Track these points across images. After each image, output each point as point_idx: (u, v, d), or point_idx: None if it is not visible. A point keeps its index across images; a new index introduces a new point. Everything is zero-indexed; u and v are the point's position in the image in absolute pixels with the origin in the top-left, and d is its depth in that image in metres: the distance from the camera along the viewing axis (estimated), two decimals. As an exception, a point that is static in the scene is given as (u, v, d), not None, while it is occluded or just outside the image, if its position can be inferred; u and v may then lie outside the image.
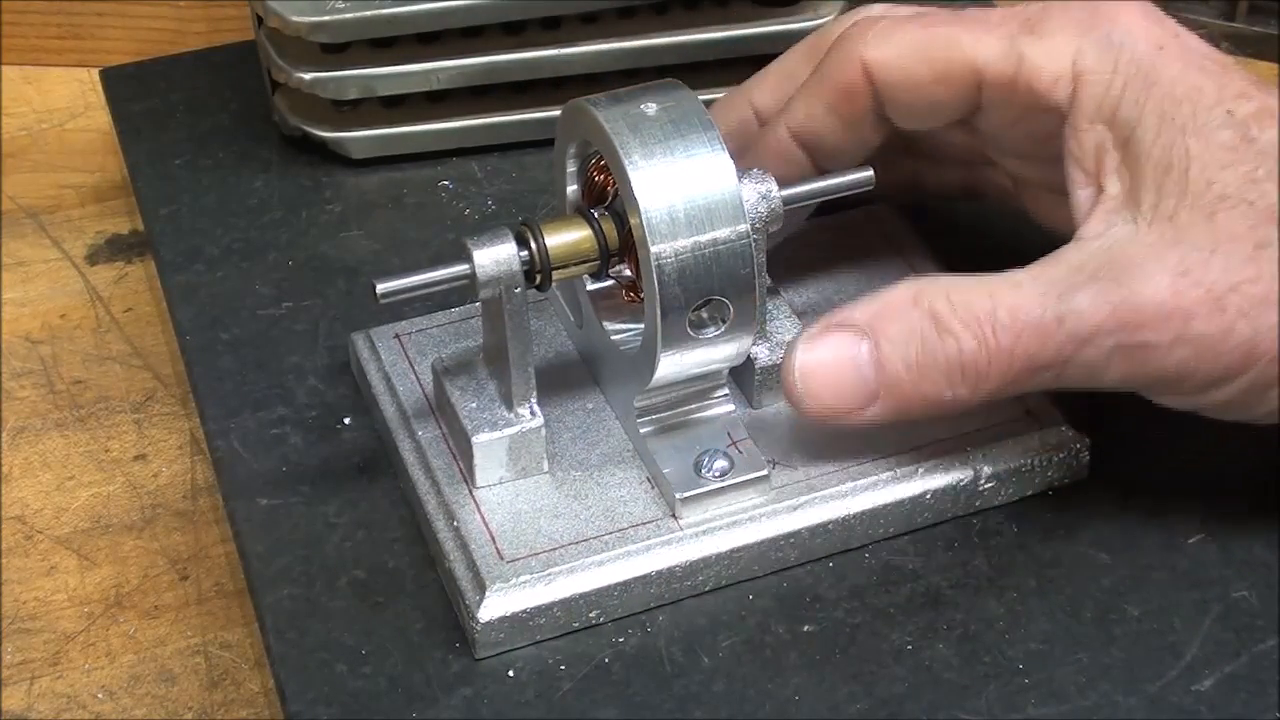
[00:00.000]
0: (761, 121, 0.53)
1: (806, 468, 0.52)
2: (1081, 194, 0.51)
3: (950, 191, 0.58)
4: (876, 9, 0.56)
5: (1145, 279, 0.48)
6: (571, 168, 0.53)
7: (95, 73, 0.73)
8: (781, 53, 0.58)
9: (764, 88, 0.57)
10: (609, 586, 0.50)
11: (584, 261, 0.51)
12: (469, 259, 0.50)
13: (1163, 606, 0.50)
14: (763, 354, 0.54)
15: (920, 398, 0.50)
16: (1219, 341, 0.47)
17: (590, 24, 0.66)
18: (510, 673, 0.49)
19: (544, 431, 0.52)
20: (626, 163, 0.49)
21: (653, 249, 0.48)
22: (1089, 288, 0.48)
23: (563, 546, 0.50)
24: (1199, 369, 0.48)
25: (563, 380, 0.55)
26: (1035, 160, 0.53)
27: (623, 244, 0.51)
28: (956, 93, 0.52)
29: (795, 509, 0.51)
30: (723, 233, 0.49)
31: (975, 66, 0.51)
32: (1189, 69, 0.49)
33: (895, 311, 0.50)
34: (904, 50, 0.52)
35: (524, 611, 0.49)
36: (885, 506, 0.52)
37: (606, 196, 0.52)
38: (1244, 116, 0.49)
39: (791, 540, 0.51)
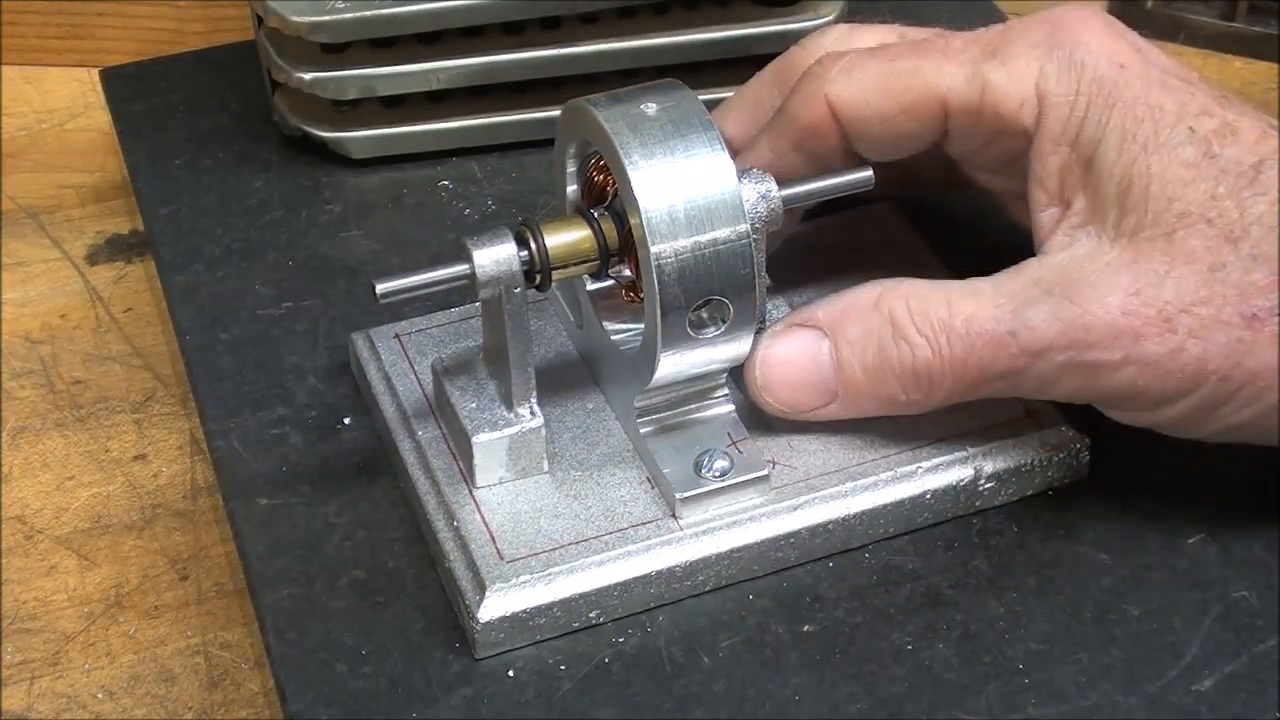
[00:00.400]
0: (730, 150, 0.53)
1: (806, 468, 0.52)
2: (1044, 215, 0.51)
3: (944, 185, 0.58)
4: (835, 34, 0.56)
5: (1098, 298, 0.48)
6: (571, 168, 0.53)
7: (95, 73, 0.73)
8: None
9: (731, 117, 0.57)
10: (609, 586, 0.50)
11: (584, 261, 0.51)
12: (469, 259, 0.50)
13: (1163, 606, 0.50)
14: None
15: (875, 399, 0.51)
16: (1168, 361, 0.48)
17: (590, 24, 0.66)
18: (510, 673, 0.49)
19: (544, 431, 0.52)
20: (626, 163, 0.49)
21: (653, 249, 0.48)
22: (1044, 303, 0.49)
23: (563, 546, 0.50)
24: (1149, 387, 0.48)
25: (563, 380, 0.55)
26: (1007, 175, 0.54)
27: (623, 244, 0.51)
28: (923, 123, 0.52)
29: (795, 509, 0.51)
30: (723, 233, 0.49)
31: (940, 96, 0.52)
32: (1150, 86, 0.50)
33: (856, 314, 0.51)
34: (868, 85, 0.52)
35: (524, 611, 0.49)
36: (885, 506, 0.52)
37: (606, 196, 0.52)
38: (1206, 133, 0.49)
39: (791, 540, 0.51)
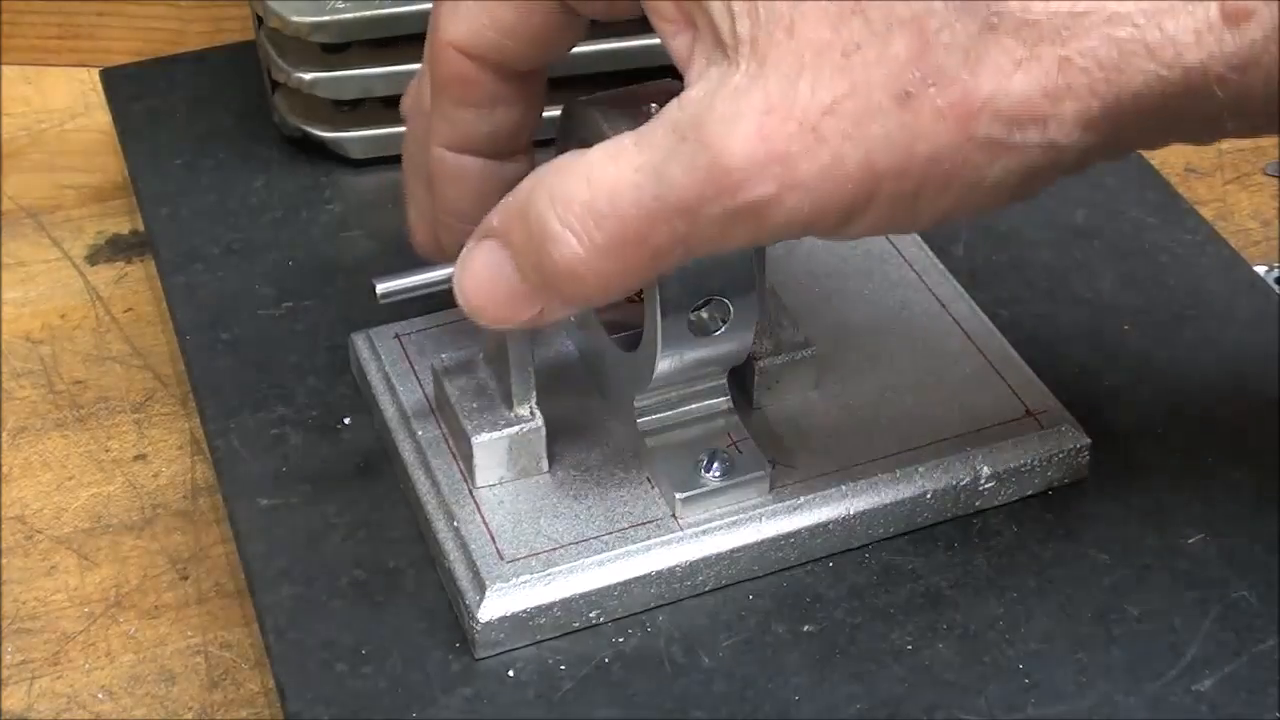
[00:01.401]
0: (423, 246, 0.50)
1: (806, 468, 0.52)
2: (675, 42, 0.43)
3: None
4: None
5: (729, 130, 0.41)
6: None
7: (95, 73, 0.73)
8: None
9: (419, 229, 0.53)
10: (609, 586, 0.50)
11: (584, 261, 0.51)
12: (469, 259, 0.50)
13: (1163, 606, 0.50)
14: (763, 354, 0.54)
15: (569, 299, 0.45)
16: (829, 175, 0.41)
17: (590, 24, 0.66)
18: (510, 673, 0.49)
19: (544, 431, 0.52)
20: (626, 163, 0.49)
21: (653, 249, 0.48)
22: (680, 154, 0.41)
23: (563, 546, 0.50)
24: (824, 208, 0.41)
25: (563, 380, 0.55)
26: None
27: (623, 244, 0.51)
28: (546, 10, 0.47)
29: (795, 509, 0.51)
30: (723, 233, 0.49)
31: None
32: None
33: (517, 214, 0.45)
34: (476, 7, 0.47)
35: (524, 611, 0.49)
36: (885, 506, 0.52)
37: (606, 196, 0.52)
38: None
39: (791, 540, 0.51)
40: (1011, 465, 0.53)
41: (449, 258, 0.48)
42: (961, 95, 0.40)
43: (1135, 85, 0.40)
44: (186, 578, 0.57)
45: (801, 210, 0.41)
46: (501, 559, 0.50)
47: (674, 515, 0.51)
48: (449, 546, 0.51)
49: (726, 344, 0.50)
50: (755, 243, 0.43)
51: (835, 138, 0.40)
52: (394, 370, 0.56)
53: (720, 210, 0.42)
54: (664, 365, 0.50)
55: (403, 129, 0.66)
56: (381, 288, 0.50)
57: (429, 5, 0.63)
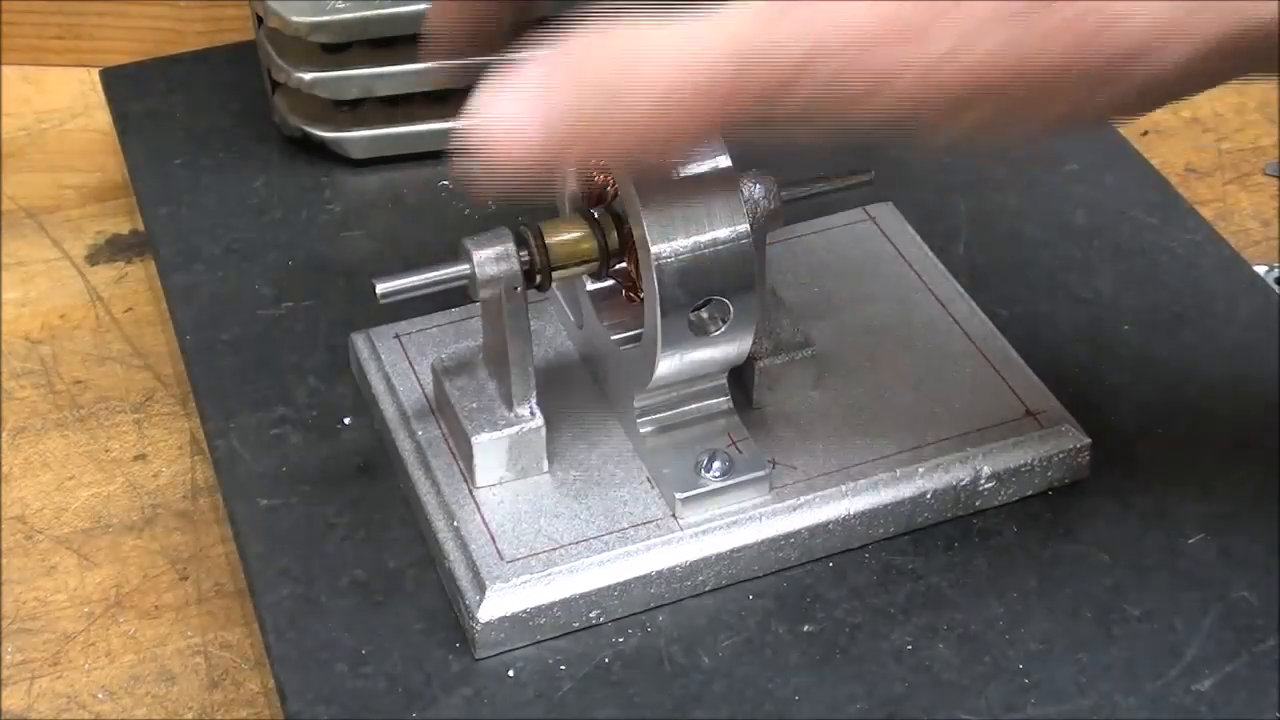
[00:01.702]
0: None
1: (806, 468, 0.52)
2: None
3: None
4: None
5: (846, 5, 0.41)
6: (571, 167, 0.53)
7: (95, 73, 0.73)
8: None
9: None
10: (609, 586, 0.50)
11: (584, 261, 0.51)
12: (468, 259, 0.50)
13: (1163, 606, 0.50)
14: (763, 354, 0.54)
15: (622, 145, 0.43)
16: (944, 66, 0.41)
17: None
18: (510, 673, 0.49)
19: (544, 431, 0.52)
20: (626, 163, 0.49)
21: (653, 249, 0.48)
22: (784, 21, 0.41)
23: (563, 546, 0.50)
24: (930, 100, 0.41)
25: (563, 380, 0.55)
26: None
27: (622, 244, 0.51)
28: None
29: (795, 509, 0.51)
30: (723, 232, 0.49)
31: None
32: None
33: (599, 44, 0.43)
34: None
35: (524, 611, 0.49)
36: (885, 506, 0.52)
37: (606, 196, 0.52)
38: None
39: (791, 540, 0.51)
40: (1011, 465, 0.53)
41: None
42: (1083, 14, 0.40)
43: (1260, 19, 0.40)
44: (186, 578, 0.57)
45: (909, 94, 0.41)
46: (501, 559, 0.50)
47: (674, 515, 0.51)
48: (449, 546, 0.51)
49: (726, 344, 0.50)
50: (840, 125, 0.42)
51: (953, 33, 0.40)
52: (394, 370, 0.56)
53: (821, 76, 0.41)
54: (664, 365, 0.50)
55: (402, 129, 0.67)
56: (381, 288, 0.50)
57: (428, 5, 0.64)
